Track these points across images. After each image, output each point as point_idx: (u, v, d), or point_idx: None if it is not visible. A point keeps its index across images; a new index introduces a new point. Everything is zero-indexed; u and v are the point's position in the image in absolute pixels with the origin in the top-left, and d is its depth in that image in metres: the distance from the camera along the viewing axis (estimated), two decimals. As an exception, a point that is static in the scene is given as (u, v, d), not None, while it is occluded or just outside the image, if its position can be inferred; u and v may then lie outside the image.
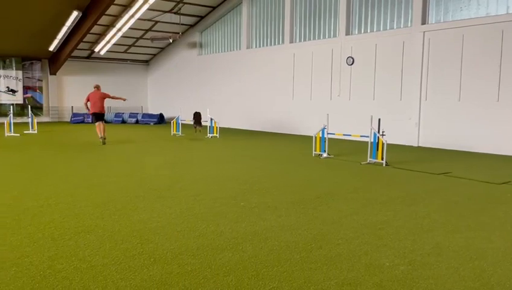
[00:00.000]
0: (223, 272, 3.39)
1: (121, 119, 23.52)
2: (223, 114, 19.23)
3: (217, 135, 15.28)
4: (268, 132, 18.06)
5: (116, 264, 3.52)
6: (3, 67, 22.13)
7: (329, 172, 8.34)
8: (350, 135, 10.36)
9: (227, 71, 20.68)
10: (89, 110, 13.10)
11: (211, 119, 15.50)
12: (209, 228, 4.52)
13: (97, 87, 13.58)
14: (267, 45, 18.73)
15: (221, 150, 11.94)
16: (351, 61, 14.97)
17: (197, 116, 15.63)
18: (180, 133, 16.16)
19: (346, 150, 11.47)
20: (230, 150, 11.85)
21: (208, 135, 15.47)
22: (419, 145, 13.15)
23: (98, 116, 12.99)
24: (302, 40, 17.09)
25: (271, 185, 6.94)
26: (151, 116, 23.60)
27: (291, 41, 17.41)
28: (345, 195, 6.26)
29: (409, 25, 13.46)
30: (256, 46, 19.32)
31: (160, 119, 23.43)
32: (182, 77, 23.75)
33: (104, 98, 13.29)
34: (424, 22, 13.03)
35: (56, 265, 3.47)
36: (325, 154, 10.09)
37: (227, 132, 17.38)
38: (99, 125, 12.92)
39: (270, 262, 3.60)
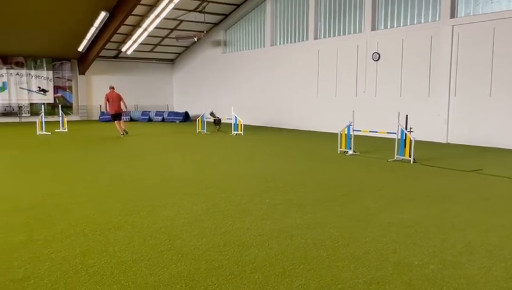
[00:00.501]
0: (250, 269, 3.40)
1: (147, 117, 23.91)
2: (247, 111, 19.28)
3: (242, 133, 15.33)
4: (292, 129, 18.00)
5: (146, 259, 3.59)
6: (35, 68, 22.83)
7: (355, 169, 8.24)
8: (377, 132, 10.20)
9: (251, 69, 20.71)
10: (107, 110, 14.76)
11: (235, 116, 15.57)
12: (235, 225, 4.55)
13: (113, 88, 14.87)
14: (291, 42, 18.65)
15: (246, 147, 11.97)
16: (377, 56, 14.74)
17: (215, 117, 16.71)
18: (205, 130, 16.31)
19: (372, 147, 11.31)
20: (255, 148, 11.87)
21: (233, 132, 15.54)
22: (448, 142, 12.84)
23: (116, 116, 14.81)
24: (327, 36, 16.92)
25: (296, 182, 6.92)
26: (176, 114, 23.89)
27: (315, 38, 17.27)
28: (371, 192, 6.17)
29: (437, 19, 13.13)
30: (280, 43, 19.26)
31: (186, 117, 23.69)
32: (207, 75, 23.93)
33: (120, 99, 14.69)
34: (453, 16, 12.68)
35: (88, 260, 3.57)
36: (350, 152, 9.98)
37: (251, 129, 17.42)
38: (118, 123, 14.93)
39: (296, 259, 3.59)
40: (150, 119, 23.89)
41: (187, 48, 25.37)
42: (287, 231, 4.35)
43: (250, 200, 5.66)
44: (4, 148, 11.34)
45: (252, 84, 20.69)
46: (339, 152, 10.26)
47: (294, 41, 18.45)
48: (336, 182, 6.95)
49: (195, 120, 18.19)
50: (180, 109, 26.08)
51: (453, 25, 12.58)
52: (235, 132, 15.50)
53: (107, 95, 14.52)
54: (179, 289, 3.03)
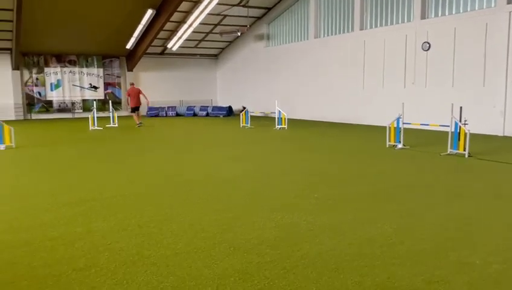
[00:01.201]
0: (302, 264, 3.37)
1: (192, 112, 24.34)
2: (290, 105, 19.17)
3: (285, 127, 15.27)
4: (337, 123, 17.71)
5: (199, 252, 3.65)
6: (86, 66, 23.83)
7: (405, 163, 7.98)
8: (428, 125, 9.81)
9: (294, 62, 20.55)
10: (129, 103, 17.06)
11: (279, 110, 15.51)
12: (284, 220, 4.53)
13: (132, 84, 17.62)
14: (335, 34, 18.31)
15: (290, 141, 11.91)
16: (427, 46, 14.16)
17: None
18: (249, 125, 16.37)
19: (423, 141, 10.91)
20: (300, 142, 11.78)
21: (276, 126, 15.51)
22: (505, 134, 12.15)
23: (135, 109, 16.99)
24: (373, 26, 16.46)
25: (344, 177, 6.80)
26: (220, 108, 24.16)
27: (361, 29, 16.84)
28: (424, 187, 5.95)
29: (493, 5, 12.41)
30: (324, 35, 18.96)
31: (229, 112, 23.91)
32: (250, 69, 24.00)
33: (139, 94, 16.88)
34: (510, 1, 11.93)
35: (144, 251, 3.67)
36: (400, 145, 9.67)
37: (295, 123, 17.30)
38: (135, 115, 17.01)
39: (350, 256, 3.52)
40: (194, 114, 24.31)
41: (230, 42, 25.54)
42: (338, 227, 4.28)
43: (298, 194, 5.62)
44: (60, 143, 11.92)
45: (295, 78, 20.53)
46: (387, 146, 9.97)
47: (339, 33, 18.09)
48: (386, 177, 6.76)
49: (239, 114, 18.30)
50: (223, 103, 26.35)
51: (510, 11, 11.84)
52: (279, 126, 15.45)
53: (128, 90, 16.95)
54: (233, 282, 3.05)
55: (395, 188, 5.96)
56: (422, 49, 14.29)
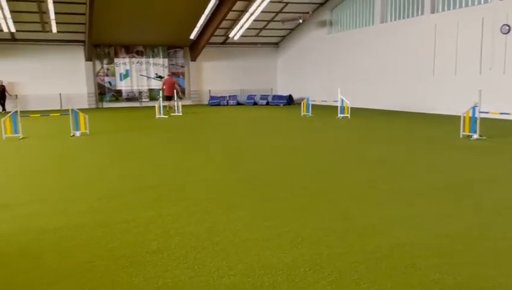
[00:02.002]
0: (375, 257, 3.23)
1: (252, 101, 24.47)
2: (354, 94, 18.63)
3: (348, 116, 14.87)
4: (404, 112, 16.96)
5: (266, 240, 3.62)
6: (152, 56, 24.73)
7: (482, 155, 7.43)
8: (508, 114, 9.06)
9: (358, 49, 19.89)
10: (163, 92, 18.49)
11: (342, 99, 15.12)
12: (353, 210, 4.38)
13: (169, 75, 19.54)
14: (403, 18, 17.44)
15: (354, 130, 11.56)
16: (506, 29, 13.05)
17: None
18: (310, 113, 16.15)
19: (502, 131, 10.11)
20: (364, 131, 11.41)
21: (339, 115, 15.15)
22: None
23: (169, 98, 18.51)
24: (446, 9, 15.46)
25: (415, 168, 6.47)
26: (280, 97, 24.06)
27: (432, 12, 15.89)
28: (504, 182, 5.50)
29: None
30: (391, 20, 18.14)
31: (290, 101, 23.74)
32: (311, 57, 23.61)
33: (174, 84, 18.72)
34: None
35: (213, 237, 3.72)
36: (475, 136, 9.03)
37: (358, 112, 16.80)
38: (169, 103, 18.62)
39: (427, 251, 3.32)
40: (255, 103, 24.42)
41: (292, 30, 25.25)
42: (412, 220, 4.06)
43: (368, 185, 5.42)
44: (129, 131, 12.49)
45: (359, 65, 19.89)
46: (461, 136, 9.35)
47: (408, 17, 17.21)
48: (460, 169, 6.34)
49: (300, 103, 18.10)
50: (284, 92, 26.22)
51: None
52: (341, 115, 15.08)
53: (164, 80, 18.95)
54: (303, 273, 2.99)
55: (473, 181, 5.57)
56: (501, 32, 13.20)
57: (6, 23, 18.88)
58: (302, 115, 16.39)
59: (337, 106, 15.48)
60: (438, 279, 2.87)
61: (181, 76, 25.67)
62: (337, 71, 21.37)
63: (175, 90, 18.58)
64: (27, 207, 4.70)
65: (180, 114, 17.80)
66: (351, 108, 15.34)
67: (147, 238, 3.71)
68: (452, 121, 12.23)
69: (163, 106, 17.62)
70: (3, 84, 21.70)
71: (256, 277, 2.94)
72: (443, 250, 3.34)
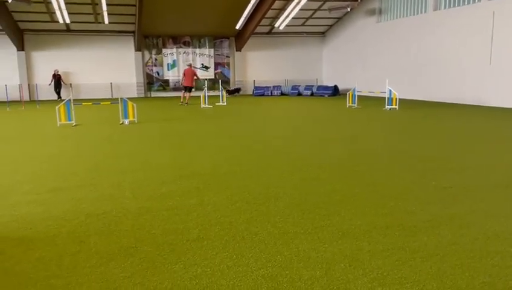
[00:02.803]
0: (420, 257, 3.10)
1: (297, 91, 24.26)
2: (403, 84, 18.01)
3: (396, 107, 14.38)
4: (456, 104, 16.18)
5: (306, 233, 3.57)
6: (199, 46, 25.07)
7: (542, 152, 6.94)
8: None
9: (409, 37, 19.14)
10: (182, 83, 18.24)
11: (390, 90, 14.63)
12: (397, 207, 4.23)
13: (189, 65, 18.72)
14: (458, 5, 16.54)
15: (401, 123, 11.16)
16: None
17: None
18: (355, 105, 15.78)
19: None
20: (412, 124, 10.98)
21: (386, 106, 14.69)
22: None
23: (187, 88, 17.96)
24: (506, -5, 14.49)
25: (468, 163, 6.14)
26: (325, 88, 23.68)
27: (490, -2, 14.96)
28: None
29: None
30: (445, 7, 17.27)
31: (335, 91, 23.32)
32: (359, 46, 23.00)
33: (193, 75, 17.99)
34: None
35: (252, 228, 3.71)
36: (534, 131, 8.45)
37: (407, 104, 16.23)
38: (186, 93, 17.96)
39: (475, 252, 3.14)
40: (299, 94, 24.20)
41: (339, 19, 24.70)
42: (460, 218, 3.86)
43: (413, 181, 5.21)
44: (175, 120, 12.76)
45: (409, 55, 19.15)
46: (518, 131, 8.79)
47: (463, 4, 16.31)
48: (518, 166, 5.95)
49: (345, 94, 17.73)
50: (329, 82, 25.77)
51: None
52: (389, 107, 14.61)
53: (184, 70, 18.23)
54: (343, 268, 2.92)
55: (530, 179, 5.21)
56: None
57: (62, 15, 19.77)
58: (347, 106, 16.05)
59: (384, 97, 15.01)
60: (487, 282, 2.71)
61: (226, 66, 25.87)
62: (385, 61, 20.70)
63: (194, 81, 18.22)
64: (77, 191, 4.91)
65: (225, 104, 17.97)
66: (399, 99, 14.82)
67: (188, 226, 3.77)
68: (510, 115, 11.53)
69: (186, 102, 17.82)
70: (59, 73, 22.82)
71: (295, 270, 2.91)
72: (492, 251, 3.15)
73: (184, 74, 18.27)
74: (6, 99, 18.76)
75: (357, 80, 16.79)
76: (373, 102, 17.96)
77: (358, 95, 16.11)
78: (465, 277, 2.79)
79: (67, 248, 3.33)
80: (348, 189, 4.89)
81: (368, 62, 22.14)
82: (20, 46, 22.38)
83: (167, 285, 2.73)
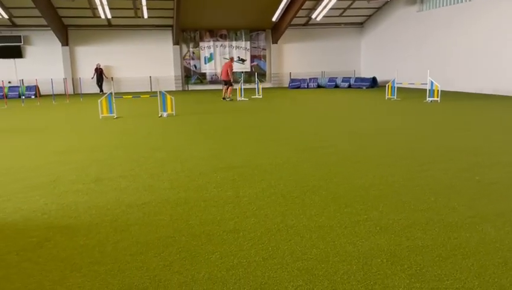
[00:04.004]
0: (461, 253, 3.00)
1: (334, 83, 23.93)
2: (444, 76, 17.36)
3: (438, 99, 13.90)
4: (501, 96, 15.45)
5: (342, 227, 3.54)
6: (235, 39, 25.16)
7: None
8: None
9: (452, 27, 18.40)
10: (220, 76, 17.61)
11: (431, 81, 14.15)
12: (438, 202, 4.11)
13: (228, 59, 17.78)
14: (506, -9, 15.71)
15: (443, 115, 10.79)
16: None
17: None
18: (395, 97, 15.38)
19: None
20: (455, 116, 10.59)
21: (427, 99, 14.23)
22: None
23: (225, 82, 16.98)
24: (559, -21, 13.63)
25: (513, 158, 5.87)
26: (363, 80, 23.22)
27: (542, -17, 14.12)
28: None
29: None
30: (491, -6, 16.45)
31: (373, 83, 22.82)
32: (398, 37, 22.35)
33: (227, 68, 16.80)
34: None
35: (287, 221, 3.72)
36: None
37: (449, 96, 15.65)
38: (227, 88, 16.88)
39: (522, 251, 3.01)
40: (336, 86, 23.86)
41: (378, 9, 24.07)
42: (505, 216, 3.70)
43: (456, 175, 5.04)
44: (212, 112, 12.91)
45: (451, 45, 18.42)
46: None
47: (511, -10, 15.47)
48: None
49: (384, 86, 17.31)
50: (367, 74, 25.23)
51: None
52: (430, 99, 14.14)
53: (224, 65, 17.27)
54: (380, 263, 2.88)
55: None
56: None
57: (104, 10, 20.37)
58: (386, 98, 15.68)
59: (425, 89, 14.55)
60: (534, 283, 2.59)
61: (262, 59, 25.84)
62: (426, 52, 20.01)
63: (230, 74, 16.81)
64: (119, 182, 5.09)
65: (260, 97, 17.98)
66: (441, 91, 14.32)
67: (224, 218, 3.82)
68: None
69: (228, 97, 16.67)
70: (101, 67, 23.58)
71: (331, 264, 2.90)
72: (542, 251, 3.00)
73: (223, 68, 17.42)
74: (52, 93, 19.61)
75: (396, 71, 16.33)
76: (413, 94, 17.45)
77: (397, 87, 15.70)
78: (509, 275, 2.68)
79: (109, 236, 3.47)
80: (387, 183, 4.79)
81: (408, 53, 21.48)
82: (65, 42, 23.27)
83: (204, 275, 2.79)
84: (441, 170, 5.30)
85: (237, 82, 19.70)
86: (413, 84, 15.74)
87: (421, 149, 6.66)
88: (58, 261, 3.04)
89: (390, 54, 23.13)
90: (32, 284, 2.72)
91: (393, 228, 3.51)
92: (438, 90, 13.98)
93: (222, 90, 17.50)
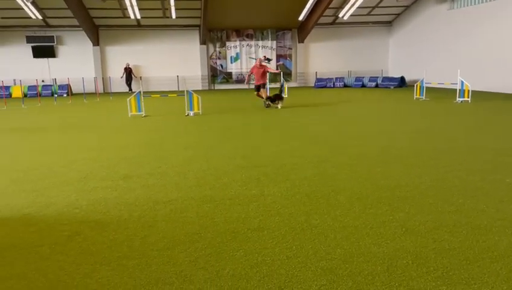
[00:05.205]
0: (489, 257, 2.94)
1: (361, 83, 23.65)
2: (475, 75, 16.87)
3: (468, 100, 13.55)
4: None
5: (367, 228, 3.52)
6: (261, 39, 25.22)
7: None
8: None
9: (483, 25, 17.87)
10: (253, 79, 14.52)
11: (462, 81, 13.79)
12: (466, 204, 4.02)
13: (263, 58, 15.73)
14: (543, -12, 15.14)
15: (473, 116, 10.51)
16: None
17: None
18: (423, 97, 15.08)
19: None
20: (487, 117, 10.30)
21: (457, 99, 13.87)
22: None
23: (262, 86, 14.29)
24: None
25: (547, 161, 5.67)
26: (391, 79, 22.85)
27: None
28: None
29: None
30: (527, -9, 15.89)
31: (401, 83, 22.42)
32: (428, 36, 21.88)
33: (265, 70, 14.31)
34: None
35: (312, 220, 3.73)
36: None
37: (481, 96, 15.22)
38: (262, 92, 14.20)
39: (554, 256, 2.92)
40: (363, 85, 23.57)
41: (407, 7, 23.63)
42: (537, 220, 3.59)
43: (485, 177, 4.92)
44: (237, 112, 12.99)
45: (483, 44, 17.90)
46: None
47: (548, -13, 14.91)
48: None
49: (412, 86, 16.99)
50: (395, 74, 24.81)
51: None
52: (460, 99, 13.79)
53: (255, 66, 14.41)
54: (405, 265, 2.85)
55: None
56: None
57: (133, 11, 20.79)
58: (414, 98, 15.39)
59: (455, 89, 14.20)
60: None
61: (288, 58, 25.80)
62: (457, 51, 19.51)
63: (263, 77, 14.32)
64: (146, 179, 5.21)
65: (286, 96, 17.94)
66: (472, 91, 13.94)
67: (248, 216, 3.86)
68: None
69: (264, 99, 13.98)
70: (130, 66, 24.09)
71: (355, 264, 2.89)
72: None
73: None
74: (83, 91, 20.16)
75: (425, 70, 15.99)
76: (443, 94, 17.07)
77: (426, 87, 15.38)
78: (540, 281, 2.61)
79: (137, 231, 3.56)
80: (413, 185, 4.72)
81: (437, 52, 21.00)
82: (96, 41, 23.88)
83: (229, 271, 2.84)
84: (469, 171, 5.18)
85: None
86: (443, 84, 15.38)
87: (449, 150, 6.52)
88: (88, 254, 3.15)
89: (419, 53, 22.66)
90: (64, 276, 2.83)
91: (419, 229, 3.47)
92: (468, 90, 13.61)
93: (260, 95, 14.31)
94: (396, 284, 2.62)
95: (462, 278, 2.67)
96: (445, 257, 2.97)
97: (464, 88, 13.72)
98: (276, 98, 13.28)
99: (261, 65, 14.39)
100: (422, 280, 2.66)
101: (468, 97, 13.61)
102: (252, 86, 15.54)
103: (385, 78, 23.17)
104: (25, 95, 21.51)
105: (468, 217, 3.69)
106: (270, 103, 13.36)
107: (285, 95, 18.08)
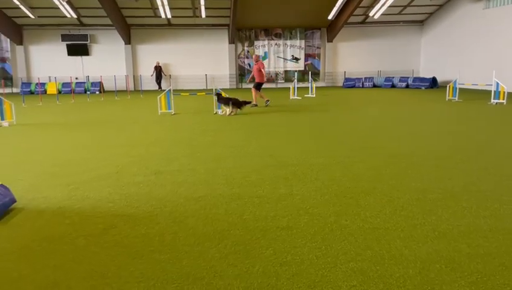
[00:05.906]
0: (527, 264, 2.85)
1: (390, 83, 23.25)
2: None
3: (504, 101, 13.13)
4: None
5: (398, 231, 3.47)
6: (290, 38, 25.15)
7: None
8: None
9: (522, 25, 17.23)
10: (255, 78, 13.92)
11: (497, 82, 13.36)
12: (502, 209, 3.90)
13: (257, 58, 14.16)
14: None
15: (509, 119, 10.15)
16: None
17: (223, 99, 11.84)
18: (456, 98, 14.70)
19: None
20: (524, 120, 9.94)
21: (492, 101, 13.46)
22: None
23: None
24: None
25: None
26: (422, 80, 22.36)
27: None
28: None
29: None
30: None
31: (433, 83, 21.91)
32: (462, 35, 21.29)
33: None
34: None
35: (341, 221, 3.70)
36: None
37: (517, 98, 14.70)
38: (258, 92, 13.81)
39: None
40: (393, 86, 23.17)
41: (440, 6, 23.06)
42: None
43: (521, 182, 4.76)
44: (264, 111, 13.00)
45: (521, 44, 17.26)
46: None
47: None
48: None
49: (444, 87, 16.57)
50: (427, 74, 24.25)
51: None
52: (495, 101, 13.37)
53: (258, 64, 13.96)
54: (438, 269, 2.80)
55: None
56: None
57: (164, 10, 21.13)
58: (447, 99, 15.02)
59: (490, 91, 13.77)
60: None
61: (317, 58, 25.63)
62: (492, 51, 18.90)
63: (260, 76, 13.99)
64: (177, 175, 5.29)
65: (314, 96, 17.86)
66: (508, 93, 13.49)
67: (277, 214, 3.87)
68: None
69: (265, 100, 13.93)
70: (160, 65, 24.49)
71: (386, 266, 2.86)
72: None
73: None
74: (114, 89, 20.63)
75: (458, 71, 15.57)
76: (476, 95, 16.58)
77: (459, 88, 14.97)
78: None
79: (168, 226, 3.63)
80: (446, 188, 4.61)
81: (471, 52, 20.40)
82: (127, 40, 24.40)
83: (258, 268, 2.86)
84: (505, 176, 5.02)
85: (290, 81, 19.65)
86: (477, 85, 14.95)
87: (482, 153, 6.33)
88: (122, 247, 3.23)
89: (452, 53, 22.07)
90: (99, 267, 2.92)
91: (452, 233, 3.39)
92: (504, 92, 13.18)
93: (256, 95, 14.12)
94: (429, 288, 2.58)
95: (497, 284, 2.60)
96: (479, 262, 2.90)
97: (499, 89, 13.29)
98: (243, 104, 12.00)
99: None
100: (456, 284, 2.61)
101: (503, 99, 13.18)
102: (280, 86, 15.54)
103: (416, 79, 22.69)
104: (59, 92, 22.21)
105: (505, 223, 3.59)
106: (237, 107, 11.87)
107: (313, 94, 18.00)
